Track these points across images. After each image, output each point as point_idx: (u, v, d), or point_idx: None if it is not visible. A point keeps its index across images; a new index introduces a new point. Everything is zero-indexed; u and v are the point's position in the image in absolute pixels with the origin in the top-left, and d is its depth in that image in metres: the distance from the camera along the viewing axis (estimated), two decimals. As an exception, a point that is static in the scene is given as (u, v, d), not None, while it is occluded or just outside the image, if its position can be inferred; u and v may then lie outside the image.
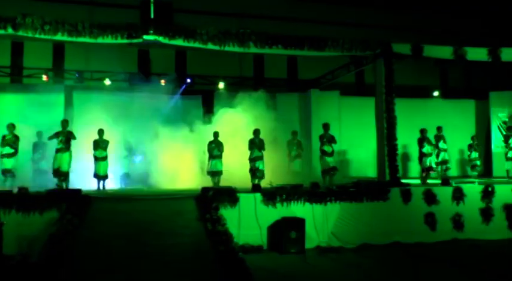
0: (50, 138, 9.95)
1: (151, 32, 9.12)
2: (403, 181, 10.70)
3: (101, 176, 10.57)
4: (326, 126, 11.23)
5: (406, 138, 12.26)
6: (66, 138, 9.85)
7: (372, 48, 10.75)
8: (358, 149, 13.55)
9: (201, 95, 13.50)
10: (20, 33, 8.89)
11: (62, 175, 9.75)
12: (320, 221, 8.92)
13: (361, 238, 9.00)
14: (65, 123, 9.95)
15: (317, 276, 7.06)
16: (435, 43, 11.36)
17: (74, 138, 9.99)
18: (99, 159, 10.56)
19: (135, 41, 9.20)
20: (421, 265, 7.69)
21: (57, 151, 9.85)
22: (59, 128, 9.95)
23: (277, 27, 12.14)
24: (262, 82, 12.07)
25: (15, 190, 8.20)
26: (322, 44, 10.26)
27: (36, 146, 11.26)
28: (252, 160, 10.61)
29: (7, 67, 13.52)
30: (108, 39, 9.05)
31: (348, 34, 11.84)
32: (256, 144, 10.62)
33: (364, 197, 9.33)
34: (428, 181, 11.48)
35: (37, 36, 8.94)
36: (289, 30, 10.88)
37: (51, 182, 9.78)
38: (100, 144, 10.57)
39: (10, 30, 8.81)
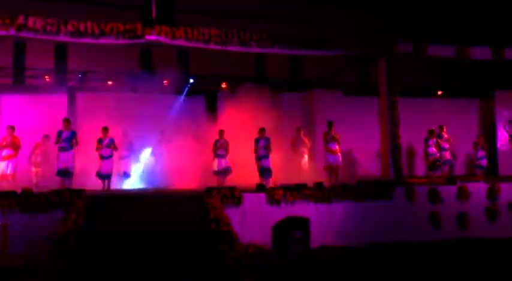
0: (57, 141, 9.95)
1: (153, 32, 9.15)
2: (408, 180, 10.70)
3: (104, 175, 10.59)
4: (330, 125, 11.23)
5: (409, 137, 12.25)
6: (68, 137, 9.87)
7: (374, 48, 10.76)
8: (362, 148, 13.55)
9: (204, 95, 13.50)
10: (22, 34, 8.92)
11: (66, 174, 9.78)
12: (325, 221, 8.93)
13: (366, 237, 8.99)
14: (66, 122, 9.96)
15: (322, 276, 7.04)
16: (438, 42, 11.36)
17: (76, 143, 10.04)
18: (104, 158, 10.59)
19: (137, 41, 9.23)
20: (426, 263, 7.69)
21: (60, 149, 9.87)
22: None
23: (280, 27, 12.14)
24: (264, 81, 12.09)
25: (19, 191, 8.22)
26: (325, 44, 10.28)
27: (39, 146, 11.26)
28: (259, 159, 10.63)
29: (9, 68, 13.55)
30: (111, 40, 9.08)
31: (351, 34, 11.86)
32: (261, 143, 10.64)
33: (368, 196, 9.37)
34: (434, 180, 11.47)
35: (39, 37, 8.97)
36: (291, 30, 10.91)
37: (56, 182, 9.80)
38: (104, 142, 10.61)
39: (12, 31, 8.83)
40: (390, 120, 10.64)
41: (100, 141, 10.59)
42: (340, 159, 11.15)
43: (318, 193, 9.07)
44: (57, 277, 5.82)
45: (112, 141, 10.67)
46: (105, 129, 10.61)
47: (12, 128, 10.35)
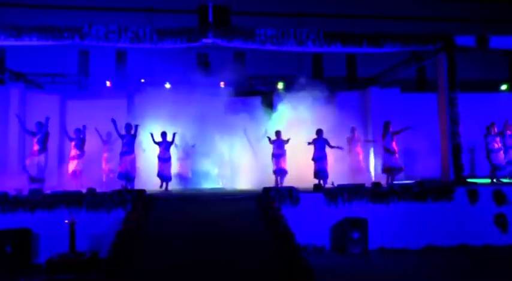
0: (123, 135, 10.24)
1: (210, 35, 9.31)
2: (469, 180, 10.20)
3: (165, 177, 10.88)
4: (388, 124, 10.92)
5: (472, 135, 11.66)
6: (129, 141, 10.24)
7: (432, 42, 10.35)
8: (421, 147, 13.09)
9: (260, 96, 13.56)
10: (86, 42, 9.34)
11: (127, 177, 10.12)
12: (383, 222, 8.71)
13: (426, 239, 8.73)
14: (128, 127, 10.35)
15: (381, 278, 6.89)
16: (502, 33, 10.74)
17: (134, 135, 10.27)
18: (163, 160, 10.87)
19: (194, 45, 9.42)
20: (490, 269, 7.29)
21: (122, 154, 10.24)
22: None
23: (335, 25, 11.98)
24: (321, 81, 12.00)
25: (84, 191, 8.61)
26: (380, 40, 10.01)
27: (104, 147, 11.72)
28: (316, 159, 10.56)
29: (75, 75, 14.29)
30: (168, 44, 9.33)
31: (407, 28, 11.48)
32: (318, 144, 10.56)
33: (427, 196, 9.02)
34: (498, 180, 10.86)
35: (102, 44, 9.35)
36: (347, 27, 10.69)
37: (118, 183, 10.18)
38: (163, 145, 10.89)
39: (77, 40, 9.28)
40: (450, 117, 10.22)
41: (159, 144, 10.89)
42: (397, 160, 10.79)
43: (375, 193, 8.84)
44: (118, 275, 5.98)
45: (170, 144, 10.95)
46: (163, 134, 10.90)
47: (79, 130, 10.87)
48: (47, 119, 9.80)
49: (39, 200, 8.07)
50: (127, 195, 8.26)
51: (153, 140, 10.87)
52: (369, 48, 10.07)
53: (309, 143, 10.62)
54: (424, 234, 8.74)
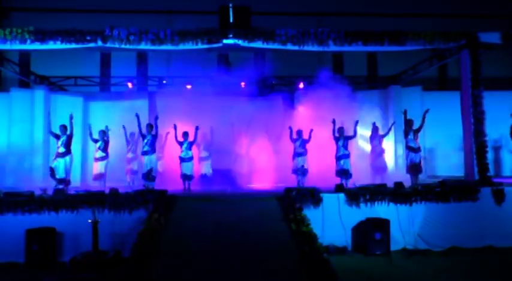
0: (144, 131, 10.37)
1: (231, 36, 9.33)
2: (494, 180, 9.94)
3: (187, 177, 10.93)
4: (411, 122, 10.76)
5: (496, 134, 11.41)
6: (151, 141, 10.33)
7: (456, 40, 10.11)
8: (444, 146, 12.87)
9: (281, 95, 13.50)
10: (108, 44, 9.46)
11: (149, 177, 10.23)
12: (405, 222, 8.58)
13: (450, 240, 8.54)
14: (149, 127, 10.40)
15: (403, 279, 6.79)
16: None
17: (156, 135, 10.41)
18: (185, 160, 10.93)
19: (215, 45, 9.44)
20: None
21: (143, 153, 10.34)
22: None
23: (356, 24, 11.85)
24: (342, 80, 11.92)
25: (107, 191, 8.72)
26: (402, 38, 9.85)
27: (128, 147, 11.84)
28: (338, 158, 10.49)
29: (97, 77, 14.50)
30: (189, 45, 9.36)
31: (428, 25, 11.28)
32: (341, 143, 10.51)
33: (451, 197, 8.83)
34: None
35: (123, 46, 9.45)
36: (367, 26, 10.58)
37: (142, 183, 10.29)
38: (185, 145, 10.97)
39: (100, 43, 9.40)
40: (474, 116, 9.95)
41: (181, 144, 10.96)
42: (421, 158, 10.60)
43: (398, 193, 8.71)
44: (139, 275, 6.02)
45: (192, 144, 11.00)
46: (185, 134, 10.96)
47: (104, 132, 11.02)
48: (71, 117, 9.96)
49: (63, 200, 8.19)
50: (149, 195, 8.32)
51: (176, 137, 10.90)
52: (390, 47, 9.90)
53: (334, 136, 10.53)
54: (448, 235, 8.55)
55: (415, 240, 8.55)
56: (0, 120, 12.92)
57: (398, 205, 8.63)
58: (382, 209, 8.56)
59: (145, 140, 10.42)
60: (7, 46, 9.35)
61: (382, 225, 8.18)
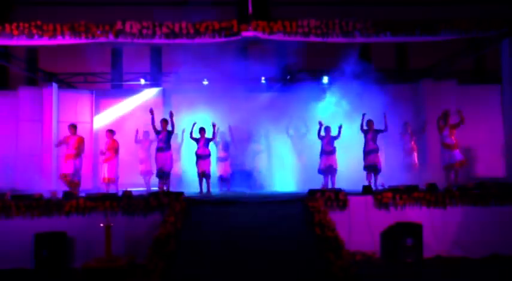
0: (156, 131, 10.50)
1: (250, 28, 9.33)
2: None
3: (204, 175, 10.95)
4: (446, 115, 10.59)
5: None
6: (165, 137, 10.39)
7: (496, 27, 9.90)
8: (482, 145, 12.68)
9: (304, 89, 13.44)
10: (120, 39, 9.57)
11: (162, 175, 10.32)
12: (439, 227, 8.47)
13: (490, 247, 8.37)
14: (164, 122, 10.46)
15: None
16: None
17: (171, 131, 10.48)
18: (202, 157, 10.97)
19: (233, 38, 9.46)
20: None
21: (158, 150, 10.43)
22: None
23: (383, 13, 11.79)
24: (369, 73, 11.84)
25: (120, 194, 8.85)
26: (435, 27, 9.72)
27: (142, 143, 11.97)
28: (366, 153, 10.49)
29: (108, 73, 14.71)
30: (206, 39, 9.41)
31: (464, 13, 11.12)
32: (370, 135, 10.52)
33: (491, 200, 8.67)
34: None
35: (136, 41, 9.56)
36: (396, 15, 10.50)
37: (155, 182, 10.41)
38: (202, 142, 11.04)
39: (111, 37, 9.52)
40: (516, 111, 9.80)
41: (197, 141, 11.02)
42: (459, 155, 10.44)
43: (431, 195, 8.61)
44: (156, 280, 6.09)
45: (209, 140, 11.08)
46: (202, 130, 11.03)
47: (112, 132, 11.18)
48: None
49: (74, 203, 8.33)
50: (164, 198, 8.40)
51: (191, 134, 11.00)
52: (422, 37, 9.75)
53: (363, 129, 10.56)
54: (487, 242, 8.38)
55: (450, 247, 8.43)
56: (8, 120, 13.22)
57: (431, 208, 8.53)
58: (413, 213, 8.46)
59: (160, 137, 10.39)
60: (13, 42, 9.55)
61: (413, 230, 8.08)
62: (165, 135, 10.38)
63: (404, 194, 8.58)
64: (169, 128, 10.36)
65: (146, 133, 11.80)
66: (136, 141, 11.73)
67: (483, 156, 12.79)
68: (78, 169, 10.27)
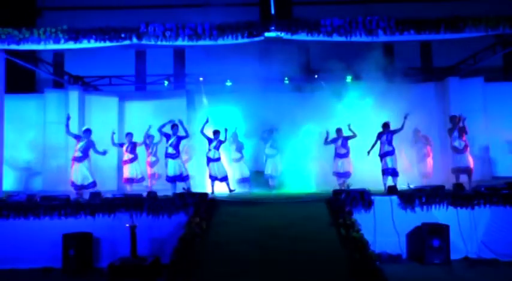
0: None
1: (273, 28, 9.36)
2: None
3: (214, 178, 10.88)
4: (454, 119, 10.49)
5: None
6: (175, 143, 10.33)
7: (523, 24, 9.71)
8: (509, 143, 12.41)
9: (327, 90, 13.37)
10: (144, 41, 9.72)
11: (174, 181, 10.28)
12: (467, 228, 8.32)
13: (521, 250, 8.16)
14: (175, 128, 10.40)
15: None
16: None
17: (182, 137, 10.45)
18: (212, 160, 10.90)
19: (256, 39, 9.49)
20: None
21: (167, 156, 10.37)
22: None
23: (407, 11, 11.61)
24: (393, 72, 11.72)
25: (145, 194, 8.93)
26: (460, 24, 9.56)
27: (147, 151, 11.88)
28: (382, 155, 10.31)
29: (132, 76, 14.91)
30: (229, 40, 9.48)
31: (492, 9, 10.89)
32: (386, 138, 10.31)
33: (520, 200, 8.47)
34: None
35: (159, 43, 9.68)
36: (420, 13, 10.35)
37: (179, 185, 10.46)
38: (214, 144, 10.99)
39: (135, 40, 9.68)
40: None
41: (210, 140, 10.94)
42: (466, 160, 10.28)
43: (458, 196, 8.46)
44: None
45: (221, 143, 11.03)
46: (216, 132, 10.99)
47: (132, 134, 11.28)
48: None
49: (100, 204, 8.47)
50: (189, 199, 8.46)
51: (202, 129, 10.92)
52: (447, 34, 9.64)
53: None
54: (518, 244, 8.20)
55: (478, 248, 8.28)
56: (35, 122, 13.50)
57: (458, 208, 8.39)
58: (440, 214, 8.35)
59: (170, 141, 10.30)
60: (41, 46, 9.80)
61: (440, 231, 7.96)
62: (175, 141, 10.30)
63: (430, 194, 8.47)
64: (184, 134, 10.39)
65: (151, 137, 11.73)
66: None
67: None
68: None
